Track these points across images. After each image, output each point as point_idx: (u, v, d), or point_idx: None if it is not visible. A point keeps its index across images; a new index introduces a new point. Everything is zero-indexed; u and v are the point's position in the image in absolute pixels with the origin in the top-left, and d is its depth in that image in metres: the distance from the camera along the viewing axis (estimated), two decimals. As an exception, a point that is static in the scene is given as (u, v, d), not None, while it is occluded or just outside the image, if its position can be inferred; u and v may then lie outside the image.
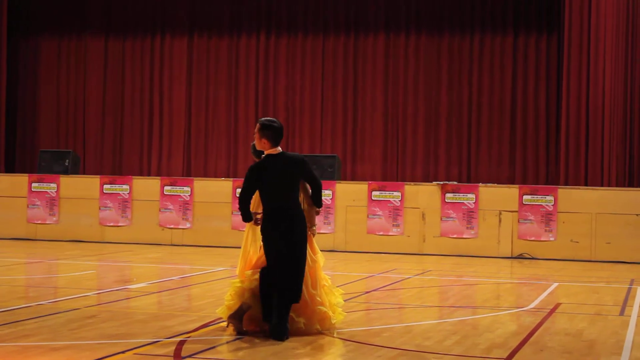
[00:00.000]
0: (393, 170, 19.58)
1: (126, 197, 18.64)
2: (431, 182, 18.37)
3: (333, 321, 8.64)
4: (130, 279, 13.39)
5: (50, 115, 21.22)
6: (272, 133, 8.38)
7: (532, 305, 10.99)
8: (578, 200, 16.90)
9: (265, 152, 8.46)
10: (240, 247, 8.90)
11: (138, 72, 20.93)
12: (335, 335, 8.55)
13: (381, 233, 17.55)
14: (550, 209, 16.94)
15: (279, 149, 8.47)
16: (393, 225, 17.47)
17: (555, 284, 13.27)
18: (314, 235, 8.70)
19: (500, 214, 17.15)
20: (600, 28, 17.66)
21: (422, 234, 17.45)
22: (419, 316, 10.07)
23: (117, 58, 21.00)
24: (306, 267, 8.48)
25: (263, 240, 8.50)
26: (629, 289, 12.80)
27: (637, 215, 16.63)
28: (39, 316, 9.27)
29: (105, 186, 18.75)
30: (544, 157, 19.01)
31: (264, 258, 8.59)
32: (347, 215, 17.70)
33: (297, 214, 8.45)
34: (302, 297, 8.43)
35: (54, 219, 18.88)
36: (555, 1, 18.71)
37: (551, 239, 16.94)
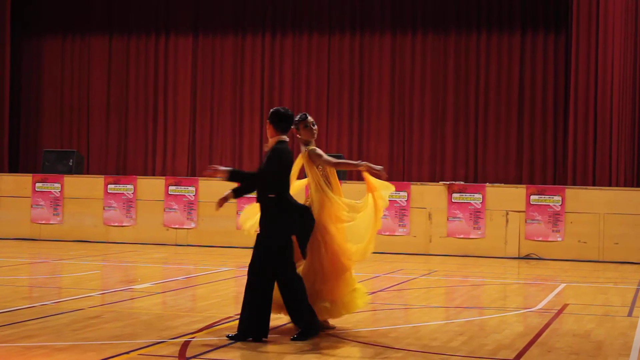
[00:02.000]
0: (399, 169, 19.51)
1: (130, 197, 18.60)
2: (438, 182, 18.31)
3: (359, 301, 8.74)
4: (134, 279, 13.35)
5: (54, 115, 21.20)
6: None
7: (540, 306, 10.98)
8: (586, 201, 16.83)
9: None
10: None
11: (142, 71, 20.90)
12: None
13: (387, 233, 17.47)
14: (557, 209, 16.86)
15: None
16: (399, 225, 17.41)
17: (563, 285, 13.23)
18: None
19: (507, 214, 17.08)
20: (608, 26, 17.59)
21: (429, 234, 17.38)
22: (426, 317, 10.04)
23: (121, 57, 20.97)
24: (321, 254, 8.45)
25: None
26: (637, 290, 12.77)
27: (645, 215, 16.60)
28: (42, 317, 9.25)
29: (110, 186, 18.71)
30: (551, 156, 18.93)
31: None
32: (353, 216, 17.60)
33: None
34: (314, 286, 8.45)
35: (58, 219, 18.84)
36: None
37: (559, 239, 16.87)
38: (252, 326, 8.12)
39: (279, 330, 8.73)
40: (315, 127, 8.91)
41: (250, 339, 8.10)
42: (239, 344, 8.05)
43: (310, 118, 8.93)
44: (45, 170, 19.21)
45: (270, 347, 7.97)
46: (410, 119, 19.62)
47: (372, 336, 8.63)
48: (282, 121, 8.42)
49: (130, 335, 8.40)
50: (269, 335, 8.26)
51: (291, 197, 8.42)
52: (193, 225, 18.17)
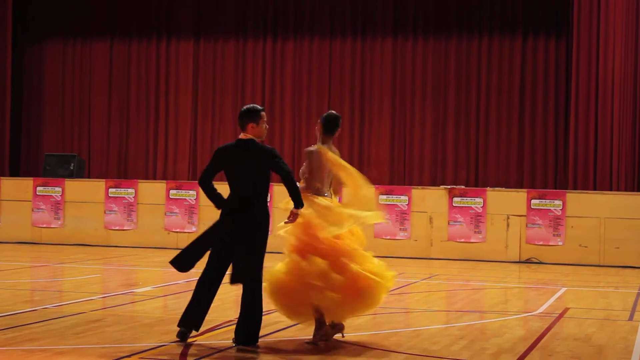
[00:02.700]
0: (400, 173, 19.53)
1: (131, 200, 18.62)
2: (439, 186, 18.32)
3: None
4: (135, 283, 13.37)
5: (55, 119, 21.22)
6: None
7: (540, 310, 11.00)
8: (587, 205, 16.84)
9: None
10: None
11: (144, 75, 20.92)
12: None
13: (388, 237, 17.49)
14: (558, 214, 16.88)
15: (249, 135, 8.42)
16: (400, 229, 17.42)
17: (564, 289, 13.26)
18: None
19: (508, 218, 17.10)
20: (609, 31, 17.61)
21: (430, 238, 17.39)
22: (426, 320, 10.06)
23: (122, 61, 20.99)
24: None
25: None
26: (638, 294, 12.77)
27: (646, 219, 16.61)
28: (44, 320, 9.29)
29: (111, 190, 18.73)
30: (552, 161, 18.94)
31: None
32: (354, 220, 17.60)
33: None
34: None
35: (59, 222, 18.87)
36: (564, 4, 18.65)
37: (559, 243, 16.88)
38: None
39: (279, 334, 8.74)
40: (317, 127, 8.97)
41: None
42: (240, 347, 8.06)
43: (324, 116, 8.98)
44: (47, 174, 19.24)
45: (271, 352, 7.98)
46: (411, 122, 19.64)
47: (373, 340, 8.64)
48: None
49: (131, 338, 8.43)
50: (269, 340, 8.29)
51: (230, 199, 8.49)
52: (194, 229, 18.17)
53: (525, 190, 17.45)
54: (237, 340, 8.08)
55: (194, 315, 8.23)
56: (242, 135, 8.39)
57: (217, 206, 8.49)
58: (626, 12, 17.59)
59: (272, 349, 8.08)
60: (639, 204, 16.69)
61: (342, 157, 9.06)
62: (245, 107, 8.50)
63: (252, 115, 8.35)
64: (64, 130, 21.18)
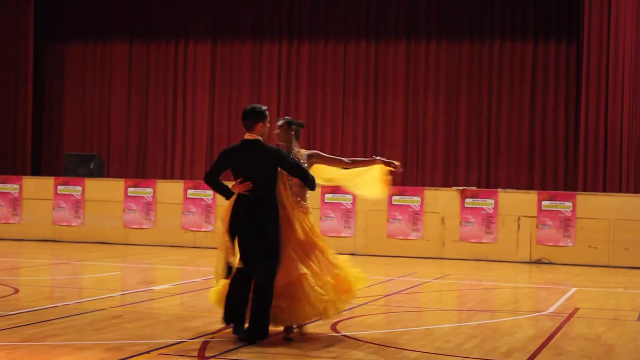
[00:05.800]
0: (413, 175, 19.66)
1: (150, 200, 18.81)
2: (451, 187, 18.46)
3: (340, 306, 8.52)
4: (153, 280, 13.54)
5: (75, 119, 21.42)
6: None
7: (551, 309, 11.05)
8: (596, 206, 16.95)
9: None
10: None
11: (162, 76, 21.10)
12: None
13: (401, 237, 17.66)
14: (568, 215, 17.00)
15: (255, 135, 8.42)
16: (413, 229, 17.57)
17: (574, 289, 13.32)
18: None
19: (519, 219, 17.23)
20: (619, 35, 17.72)
21: (442, 238, 17.54)
22: (439, 319, 10.14)
23: (141, 63, 21.17)
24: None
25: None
26: (647, 295, 12.86)
27: (655, 221, 16.72)
28: (65, 316, 9.39)
29: (130, 189, 18.93)
30: (562, 163, 19.05)
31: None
32: (368, 220, 17.81)
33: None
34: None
35: (79, 221, 19.07)
36: (575, 8, 18.76)
37: (569, 244, 16.99)
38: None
39: (296, 332, 8.87)
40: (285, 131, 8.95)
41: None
42: (258, 343, 8.12)
43: None
44: (67, 174, 19.44)
45: (287, 348, 8.07)
46: (423, 124, 19.78)
47: (387, 338, 8.73)
48: None
49: (150, 335, 8.52)
50: (284, 336, 8.46)
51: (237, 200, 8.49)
52: (211, 228, 18.32)
53: (535, 191, 17.57)
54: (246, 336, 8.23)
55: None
56: (247, 136, 8.41)
57: (227, 197, 8.58)
58: (636, 15, 17.68)
59: (290, 345, 8.17)
60: (648, 206, 16.82)
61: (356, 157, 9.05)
62: (251, 107, 8.46)
63: (261, 115, 8.41)
64: (84, 130, 21.38)
